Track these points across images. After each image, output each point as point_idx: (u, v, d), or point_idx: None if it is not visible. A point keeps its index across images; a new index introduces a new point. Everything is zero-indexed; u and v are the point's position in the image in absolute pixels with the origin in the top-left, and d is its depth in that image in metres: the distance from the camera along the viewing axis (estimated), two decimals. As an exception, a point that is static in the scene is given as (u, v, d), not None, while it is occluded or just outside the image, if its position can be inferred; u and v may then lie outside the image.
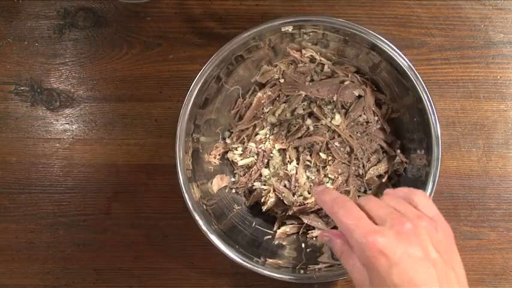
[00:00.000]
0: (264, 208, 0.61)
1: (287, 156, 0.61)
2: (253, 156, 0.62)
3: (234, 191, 0.63)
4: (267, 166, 0.62)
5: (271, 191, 0.61)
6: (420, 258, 0.41)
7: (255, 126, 0.62)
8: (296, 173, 0.61)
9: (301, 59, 0.60)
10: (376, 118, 0.61)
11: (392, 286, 0.41)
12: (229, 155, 0.62)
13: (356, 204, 0.45)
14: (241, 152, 0.62)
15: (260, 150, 0.61)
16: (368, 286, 0.43)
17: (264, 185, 0.62)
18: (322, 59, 0.60)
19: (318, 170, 0.61)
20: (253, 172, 0.61)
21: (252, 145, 0.61)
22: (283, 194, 0.60)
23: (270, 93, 0.61)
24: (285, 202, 0.61)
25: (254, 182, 0.62)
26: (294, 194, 0.61)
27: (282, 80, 0.61)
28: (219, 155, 0.62)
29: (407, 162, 0.59)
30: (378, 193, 0.61)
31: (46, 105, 0.66)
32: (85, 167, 0.65)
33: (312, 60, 0.60)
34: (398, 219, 0.43)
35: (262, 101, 0.61)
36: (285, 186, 0.61)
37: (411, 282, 0.40)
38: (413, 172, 0.58)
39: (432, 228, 0.43)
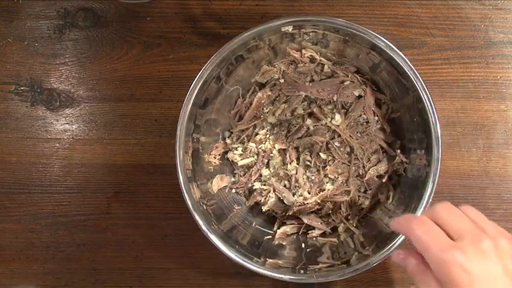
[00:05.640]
0: (264, 208, 0.61)
1: (287, 156, 0.61)
2: (253, 156, 0.62)
3: (234, 191, 0.63)
4: (267, 166, 0.62)
5: (271, 191, 0.61)
6: (500, 274, 0.41)
7: (255, 126, 0.62)
8: (296, 173, 0.61)
9: (301, 59, 0.60)
10: (376, 118, 0.61)
11: None
12: (229, 155, 0.62)
13: (435, 212, 0.45)
14: (241, 152, 0.62)
15: (260, 150, 0.61)
16: None
17: (264, 185, 0.62)
18: (322, 59, 0.60)
19: (318, 170, 0.61)
20: (253, 172, 0.61)
21: (252, 145, 0.61)
22: (283, 194, 0.60)
23: (270, 93, 0.61)
24: (285, 202, 0.61)
25: (254, 182, 0.62)
26: (294, 194, 0.61)
27: (282, 80, 0.61)
28: (219, 155, 0.62)
29: (407, 162, 0.59)
30: (377, 193, 0.61)
31: (46, 105, 0.66)
32: (85, 167, 0.65)
33: (312, 60, 0.60)
34: (478, 236, 0.43)
35: (262, 101, 0.61)
36: (285, 186, 0.61)
37: None
38: (413, 172, 0.58)
39: (511, 246, 0.43)
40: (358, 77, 0.60)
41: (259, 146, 0.61)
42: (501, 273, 0.41)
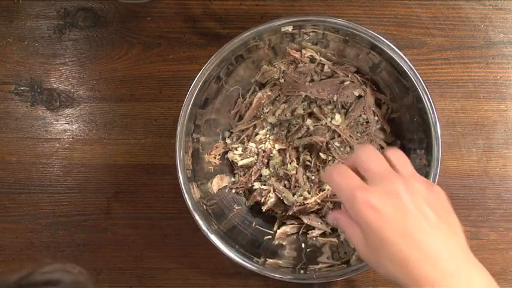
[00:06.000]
0: (264, 208, 0.61)
1: (287, 156, 0.61)
2: (253, 156, 0.62)
3: (234, 191, 0.63)
4: (267, 166, 0.62)
5: (271, 191, 0.61)
6: (411, 211, 0.42)
7: (255, 126, 0.62)
8: (296, 173, 0.61)
9: (301, 59, 0.60)
10: (376, 118, 0.61)
11: (385, 239, 0.41)
12: (229, 155, 0.63)
13: (355, 155, 0.46)
14: (241, 152, 0.62)
15: (260, 150, 0.61)
16: (366, 247, 0.44)
17: (264, 185, 0.62)
18: (322, 59, 0.60)
19: (318, 170, 0.61)
20: (253, 172, 0.61)
21: (252, 145, 0.61)
22: (283, 194, 0.60)
23: (270, 93, 0.61)
24: (285, 202, 0.61)
25: (254, 182, 0.62)
26: (294, 194, 0.61)
27: (282, 80, 0.61)
28: (219, 155, 0.62)
29: (407, 162, 0.59)
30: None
31: (46, 105, 0.66)
32: (85, 167, 0.65)
33: (312, 60, 0.60)
34: (390, 177, 0.43)
35: (262, 101, 0.61)
36: (284, 186, 0.61)
37: (404, 234, 0.41)
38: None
39: (426, 189, 0.43)
40: (358, 77, 0.60)
41: (259, 146, 0.61)
42: (413, 209, 0.42)
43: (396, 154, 0.46)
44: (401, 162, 0.45)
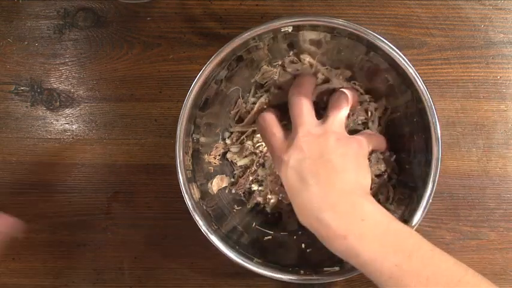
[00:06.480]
0: (269, 209, 0.62)
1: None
2: (251, 156, 0.62)
3: (233, 191, 0.63)
4: (263, 166, 0.62)
5: (269, 192, 0.61)
6: (311, 159, 0.48)
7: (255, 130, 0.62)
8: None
9: (302, 62, 0.60)
10: (376, 118, 0.60)
11: (288, 186, 0.49)
12: (229, 155, 0.62)
13: (290, 92, 0.55)
14: (237, 150, 0.62)
15: (258, 150, 0.61)
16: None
17: (261, 185, 0.62)
18: (318, 64, 0.59)
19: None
20: (250, 172, 0.61)
21: (249, 143, 0.61)
22: (281, 195, 0.60)
23: (271, 97, 0.61)
24: (284, 202, 0.61)
25: (252, 183, 0.62)
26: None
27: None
28: (219, 155, 0.62)
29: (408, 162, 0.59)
30: (377, 193, 0.61)
31: (46, 105, 0.66)
32: (85, 167, 0.65)
33: (311, 64, 0.60)
34: (302, 139, 0.50)
35: (264, 106, 0.61)
36: (281, 185, 0.61)
37: (305, 183, 0.48)
38: (413, 172, 0.58)
39: (335, 142, 0.49)
40: (357, 84, 0.60)
41: (257, 145, 0.61)
42: (313, 158, 0.48)
43: (333, 112, 0.53)
44: (332, 118, 0.52)
